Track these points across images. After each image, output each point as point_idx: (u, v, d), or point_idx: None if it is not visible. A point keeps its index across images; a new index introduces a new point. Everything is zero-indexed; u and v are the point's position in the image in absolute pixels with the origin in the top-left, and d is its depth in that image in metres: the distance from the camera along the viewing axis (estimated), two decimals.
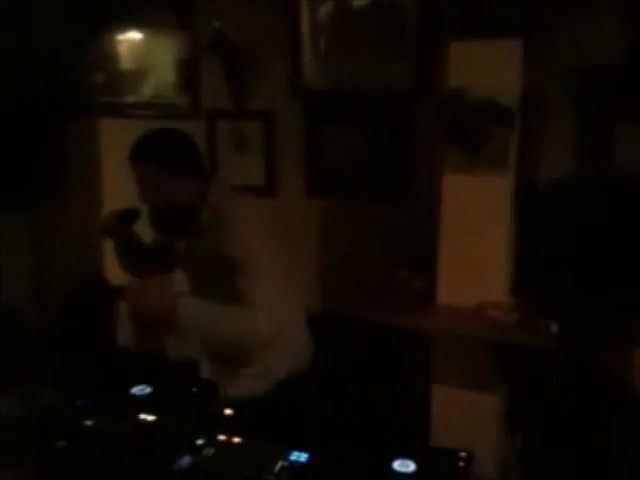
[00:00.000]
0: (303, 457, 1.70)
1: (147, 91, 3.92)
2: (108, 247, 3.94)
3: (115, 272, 3.85)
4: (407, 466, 1.64)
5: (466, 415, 2.74)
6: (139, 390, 1.98)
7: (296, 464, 1.68)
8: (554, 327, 2.53)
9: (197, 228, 2.26)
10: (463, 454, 1.70)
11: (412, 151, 3.22)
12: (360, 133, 3.36)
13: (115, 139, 3.99)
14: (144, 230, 2.44)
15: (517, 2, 2.53)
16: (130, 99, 3.96)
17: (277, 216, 2.34)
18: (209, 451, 1.74)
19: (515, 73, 2.57)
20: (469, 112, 2.63)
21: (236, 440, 1.78)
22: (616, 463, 2.66)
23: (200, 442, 1.76)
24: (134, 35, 3.89)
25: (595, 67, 2.74)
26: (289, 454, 1.70)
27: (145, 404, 1.92)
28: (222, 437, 1.79)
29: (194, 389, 2.01)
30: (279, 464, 1.67)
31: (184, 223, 2.26)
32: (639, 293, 2.59)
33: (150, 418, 1.85)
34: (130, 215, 2.43)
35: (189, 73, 3.78)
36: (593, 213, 2.62)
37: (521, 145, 2.68)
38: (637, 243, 2.60)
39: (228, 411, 1.91)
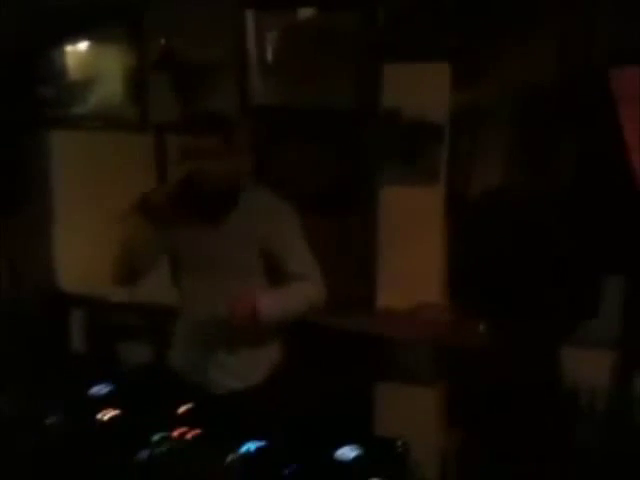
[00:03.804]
0: (252, 448, 1.83)
1: (96, 103, 3.97)
2: (63, 253, 4.06)
3: (70, 280, 3.95)
4: (350, 453, 1.80)
5: (407, 410, 2.91)
6: (98, 390, 2.10)
7: (246, 455, 1.81)
8: (482, 327, 2.72)
9: (234, 206, 2.40)
10: (400, 442, 1.86)
11: (354, 164, 3.37)
12: (305, 147, 3.50)
13: (67, 150, 4.07)
14: None
15: (444, 28, 2.73)
16: (80, 111, 4.01)
17: None
18: (164, 446, 1.86)
19: (443, 93, 2.77)
20: (402, 129, 2.82)
21: (190, 435, 1.91)
22: (549, 456, 2.84)
23: (156, 438, 1.88)
24: (83, 47, 3.94)
25: (523, 86, 2.93)
26: (240, 447, 1.82)
27: (103, 403, 2.03)
28: (177, 433, 1.91)
29: (151, 387, 2.14)
30: (230, 457, 1.81)
31: (224, 200, 2.40)
32: (563, 295, 2.80)
33: (109, 416, 1.97)
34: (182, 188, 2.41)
35: (138, 86, 3.85)
36: (519, 220, 2.83)
37: (452, 159, 2.88)
38: (562, 249, 2.80)
39: (182, 408, 2.04)
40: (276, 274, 2.42)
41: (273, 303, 2.33)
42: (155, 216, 2.35)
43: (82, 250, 3.82)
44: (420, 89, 2.80)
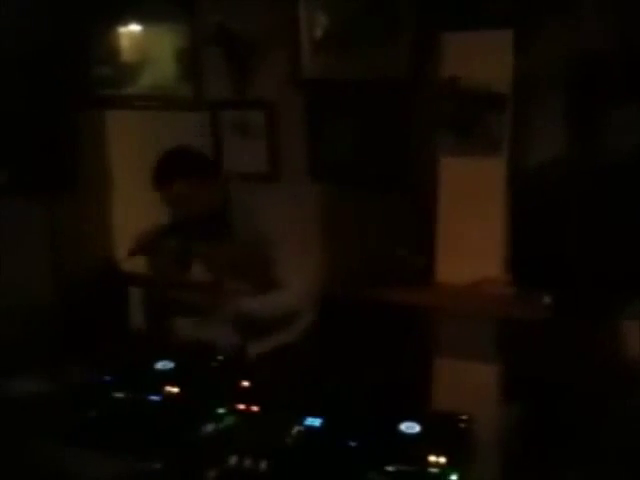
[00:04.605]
0: (317, 422, 1.84)
1: (150, 83, 4.01)
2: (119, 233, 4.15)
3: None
4: (413, 428, 1.79)
5: (466, 385, 2.89)
6: (162, 365, 2.13)
7: (311, 428, 1.82)
8: (547, 299, 2.66)
9: (226, 229, 2.48)
10: (464, 417, 1.84)
11: (410, 136, 3.33)
12: (359, 120, 3.48)
13: (121, 129, 4.12)
14: None
15: None
16: (134, 91, 4.05)
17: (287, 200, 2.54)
18: (230, 419, 1.89)
19: (506, 62, 2.70)
20: (462, 99, 2.76)
21: (254, 408, 1.92)
22: (609, 430, 2.80)
23: (221, 411, 1.90)
24: (138, 27, 3.97)
25: (585, 53, 2.85)
26: (304, 420, 1.84)
27: (168, 378, 2.06)
28: (241, 406, 1.93)
29: (213, 364, 2.16)
30: (295, 429, 1.82)
31: (216, 226, 2.48)
32: (628, 268, 2.73)
33: (175, 390, 1.99)
34: (164, 233, 2.56)
35: (191, 64, 3.88)
36: (583, 192, 2.75)
37: (514, 128, 2.81)
38: (626, 220, 2.73)
39: (245, 383, 2.06)
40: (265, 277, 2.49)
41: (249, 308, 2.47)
42: (153, 255, 2.52)
43: (138, 228, 3.87)
44: (481, 57, 2.72)
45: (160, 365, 2.11)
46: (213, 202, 2.46)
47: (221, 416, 1.89)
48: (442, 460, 1.66)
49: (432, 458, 1.66)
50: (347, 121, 3.52)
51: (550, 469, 2.67)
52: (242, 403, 1.93)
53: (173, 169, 2.43)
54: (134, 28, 3.98)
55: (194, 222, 2.46)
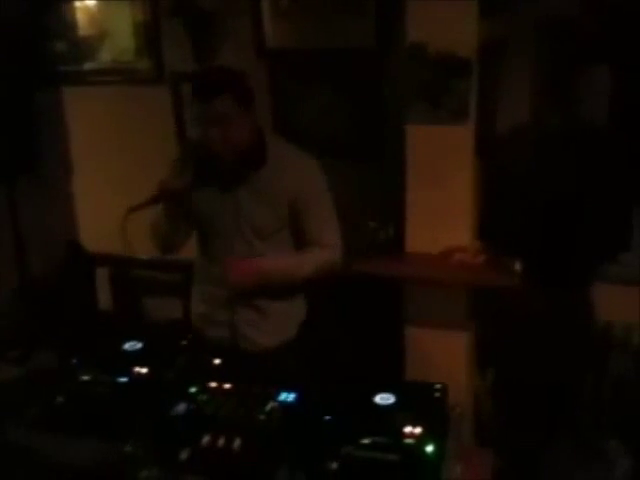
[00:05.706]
0: (291, 397, 1.82)
1: (110, 57, 3.92)
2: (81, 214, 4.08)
3: (90, 238, 3.97)
4: (387, 399, 1.78)
5: (439, 353, 2.90)
6: (130, 346, 2.08)
7: (285, 403, 1.80)
8: (517, 266, 2.67)
9: (261, 163, 2.31)
10: (438, 386, 1.84)
11: (376, 105, 3.30)
12: (324, 89, 3.44)
13: (81, 105, 4.02)
14: None
15: None
16: (93, 66, 3.96)
17: None
18: (203, 397, 1.85)
19: (471, 26, 2.67)
20: (429, 65, 2.73)
21: (227, 386, 1.89)
22: (580, 394, 2.83)
23: (194, 390, 1.87)
24: (94, 0, 3.86)
25: (552, 18, 2.83)
26: (278, 395, 1.82)
27: (137, 358, 2.02)
28: (214, 384, 1.90)
29: (183, 342, 2.12)
30: (270, 404, 1.80)
31: (252, 157, 2.29)
32: (594, 233, 2.74)
33: (144, 370, 1.95)
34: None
35: (151, 37, 3.79)
36: (552, 157, 2.75)
37: (481, 95, 2.79)
38: (594, 185, 2.73)
39: (217, 360, 2.03)
40: (298, 235, 2.39)
41: (274, 268, 2.32)
42: (179, 200, 2.28)
43: (102, 205, 3.81)
44: (446, 23, 2.69)
45: (128, 346, 2.08)
46: (249, 137, 2.25)
47: (193, 395, 1.86)
48: (418, 430, 1.65)
49: (408, 429, 1.65)
50: (313, 90, 3.48)
51: (524, 435, 2.69)
52: (215, 381, 1.91)
53: (220, 81, 2.22)
54: (91, 1, 3.87)
55: (230, 155, 2.24)
